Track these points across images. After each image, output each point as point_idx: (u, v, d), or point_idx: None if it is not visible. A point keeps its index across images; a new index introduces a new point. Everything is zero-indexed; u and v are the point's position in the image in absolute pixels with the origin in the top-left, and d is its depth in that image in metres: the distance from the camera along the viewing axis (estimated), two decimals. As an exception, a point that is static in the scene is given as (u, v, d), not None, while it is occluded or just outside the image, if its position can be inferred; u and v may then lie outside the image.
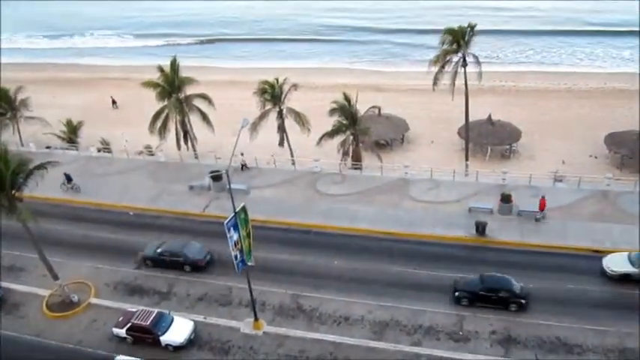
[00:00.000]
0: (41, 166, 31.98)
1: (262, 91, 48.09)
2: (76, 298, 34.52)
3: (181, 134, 51.71)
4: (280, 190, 44.07)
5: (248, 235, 28.90)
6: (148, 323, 30.53)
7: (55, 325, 33.30)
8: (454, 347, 29.01)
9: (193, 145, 52.27)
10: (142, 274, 36.40)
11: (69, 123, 58.94)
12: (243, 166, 46.93)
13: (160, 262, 36.51)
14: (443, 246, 36.51)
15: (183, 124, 51.30)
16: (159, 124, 49.76)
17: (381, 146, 53.73)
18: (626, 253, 32.98)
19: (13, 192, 30.89)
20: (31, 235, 32.73)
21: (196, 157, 51.48)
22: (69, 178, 46.95)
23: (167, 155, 50.99)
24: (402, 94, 67.29)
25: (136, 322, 30.75)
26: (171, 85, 49.36)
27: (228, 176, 27.64)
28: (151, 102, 50.60)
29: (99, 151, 53.82)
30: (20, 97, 58.15)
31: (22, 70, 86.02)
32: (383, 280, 33.81)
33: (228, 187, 28.66)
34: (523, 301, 30.75)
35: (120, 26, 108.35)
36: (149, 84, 49.97)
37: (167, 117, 49.93)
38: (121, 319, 31.73)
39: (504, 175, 42.65)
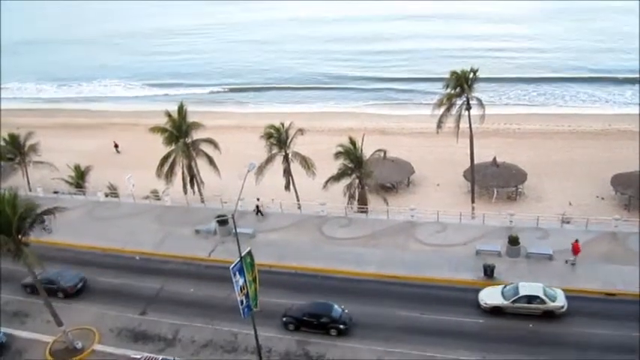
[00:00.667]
0: (48, 212, 32.14)
1: (268, 136, 48.60)
2: (80, 345, 34.08)
3: (188, 178, 52.03)
4: (286, 234, 43.94)
5: (254, 279, 28.70)
6: (152, 371, 30.04)
7: (58, 372, 32.84)
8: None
9: (200, 189, 52.51)
10: (147, 319, 36.02)
11: (77, 168, 59.52)
12: (259, 211, 46.68)
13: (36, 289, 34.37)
14: (451, 289, 36.01)
15: (189, 168, 51.69)
16: (166, 168, 50.20)
17: (387, 189, 53.77)
18: (500, 287, 34.17)
19: (20, 236, 30.96)
20: (36, 280, 32.65)
21: (202, 201, 51.68)
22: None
23: (173, 199, 51.17)
24: (407, 137, 67.82)
25: (139, 369, 30.28)
26: (178, 130, 50.01)
27: (234, 220, 27.67)
28: (157, 146, 51.17)
29: (106, 195, 54.10)
30: (29, 142, 59.09)
31: (32, 116, 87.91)
32: (391, 325, 33.25)
33: (234, 231, 28.64)
34: (342, 326, 32.50)
35: (127, 75, 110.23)
36: (156, 129, 50.64)
37: (174, 161, 50.42)
38: (123, 366, 31.28)
39: (511, 217, 42.44)
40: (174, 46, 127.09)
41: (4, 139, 59.54)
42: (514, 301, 32.70)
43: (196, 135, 51.51)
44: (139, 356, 31.75)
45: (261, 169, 47.00)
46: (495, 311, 33.14)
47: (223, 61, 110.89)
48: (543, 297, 32.45)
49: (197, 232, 45.01)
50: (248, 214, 45.44)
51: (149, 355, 31.67)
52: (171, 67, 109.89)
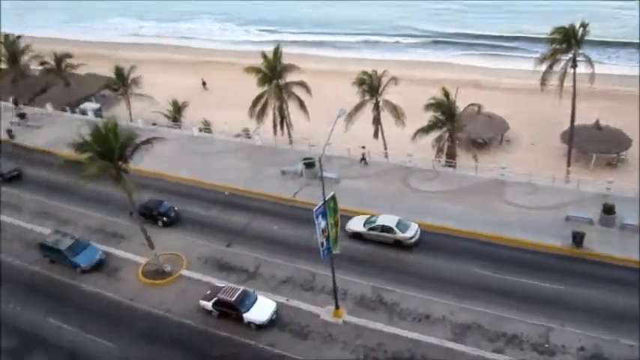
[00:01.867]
0: (147, 142, 33.93)
1: (360, 82, 48.25)
2: (168, 269, 36.45)
3: (278, 120, 52.95)
4: (371, 182, 44.00)
5: (336, 223, 29.21)
6: (234, 299, 31.67)
7: (147, 291, 35.42)
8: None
9: (289, 131, 53.39)
10: (232, 252, 37.78)
11: (174, 103, 62.07)
12: (363, 159, 46.53)
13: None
14: (533, 253, 34.97)
15: (281, 110, 52.52)
16: (258, 108, 51.29)
17: (478, 145, 52.24)
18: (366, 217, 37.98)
19: (120, 163, 33.01)
20: (133, 205, 34.91)
21: (291, 143, 52.60)
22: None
23: (263, 139, 52.38)
24: (504, 93, 64.80)
25: (222, 297, 32.01)
26: (272, 72, 50.68)
27: (320, 164, 28.00)
28: (249, 86, 52.11)
29: (200, 131, 56.21)
30: (132, 75, 62.01)
31: (135, 50, 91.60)
32: (467, 281, 33.00)
33: (319, 174, 29.05)
34: (165, 218, 40.88)
35: (226, 17, 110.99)
36: (251, 69, 51.60)
37: (266, 102, 51.37)
38: (208, 292, 33.17)
39: (609, 185, 40.06)
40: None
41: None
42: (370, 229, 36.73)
43: (290, 77, 52.00)
44: (222, 284, 33.54)
45: (351, 116, 46.93)
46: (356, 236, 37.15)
47: (323, 12, 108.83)
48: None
49: (283, 172, 46.03)
50: (334, 159, 45.76)
51: (231, 284, 33.35)
52: (269, 12, 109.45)
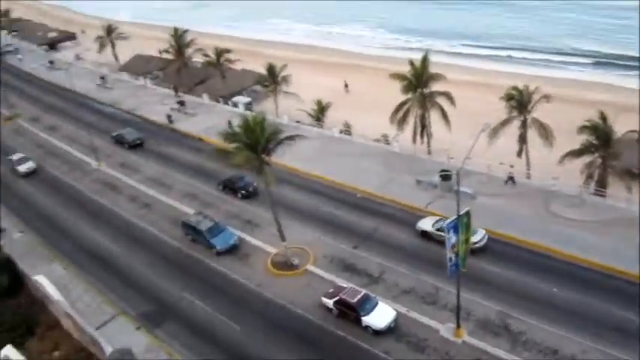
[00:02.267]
0: (290, 138, 35.31)
1: (509, 97, 46.36)
2: (296, 262, 37.62)
3: (419, 128, 52.45)
4: (509, 202, 42.00)
5: (467, 240, 28.33)
6: (355, 301, 31.90)
7: (274, 281, 36.81)
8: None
9: (428, 141, 52.68)
10: (358, 254, 38.11)
11: (319, 103, 63.90)
12: (510, 179, 44.17)
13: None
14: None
15: (422, 118, 51.97)
16: (400, 115, 51.21)
17: (634, 176, 47.72)
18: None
19: (264, 156, 34.67)
20: (270, 197, 36.48)
21: (429, 153, 51.86)
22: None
23: (401, 146, 52.18)
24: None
25: (343, 297, 32.39)
26: (417, 80, 50.31)
27: (457, 177, 27.34)
28: (390, 92, 52.15)
29: (340, 132, 57.33)
30: (283, 73, 64.89)
31: (287, 50, 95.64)
32: (606, 322, 30.34)
33: (455, 187, 28.36)
34: (244, 192, 46.18)
35: (380, 25, 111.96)
36: (396, 76, 51.58)
37: (409, 110, 51.12)
38: (331, 290, 33.74)
39: None
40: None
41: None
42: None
43: (435, 87, 51.32)
44: (345, 285, 33.96)
45: (495, 131, 45.23)
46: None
47: (473, 24, 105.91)
48: None
49: (419, 182, 45.52)
50: (473, 174, 44.37)
51: (354, 286, 33.64)
52: (420, 21, 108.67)
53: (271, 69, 65.71)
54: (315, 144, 53.12)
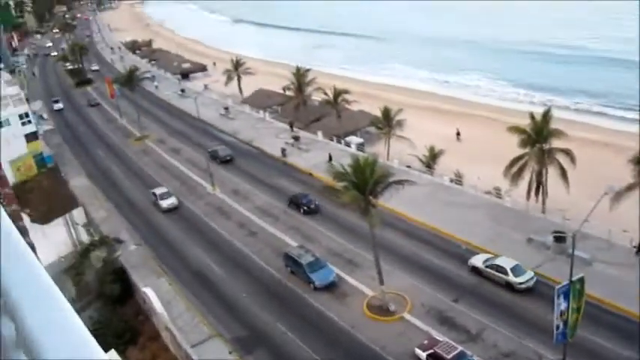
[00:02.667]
0: (399, 182, 35.23)
1: (638, 161, 43.19)
2: (392, 307, 36.94)
3: (534, 185, 50.24)
4: (630, 272, 38.72)
5: (578, 309, 26.51)
6: (450, 357, 30.66)
7: (368, 324, 36.31)
8: None
9: (543, 199, 50.22)
10: (457, 308, 36.76)
11: (431, 149, 63.28)
12: None
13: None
14: None
15: (539, 175, 49.75)
16: (514, 169, 49.38)
17: None
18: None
19: (371, 197, 34.79)
20: (373, 239, 36.36)
21: (543, 212, 49.37)
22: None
23: (514, 201, 50.20)
24: None
25: (438, 351, 31.24)
26: (537, 134, 48.45)
27: (573, 240, 25.81)
28: (503, 144, 50.63)
29: (451, 181, 56.27)
30: (398, 117, 65.22)
31: (404, 95, 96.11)
32: None
33: (569, 251, 26.75)
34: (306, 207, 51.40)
35: (500, 76, 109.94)
36: (514, 129, 50.01)
37: (525, 165, 49.20)
38: (425, 342, 32.69)
39: None
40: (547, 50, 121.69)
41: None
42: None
43: (555, 143, 49.14)
44: (441, 339, 32.80)
45: (619, 195, 42.22)
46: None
47: (601, 82, 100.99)
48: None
49: (530, 240, 43.38)
50: (590, 238, 41.52)
51: (450, 341, 32.39)
52: (542, 76, 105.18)
53: (387, 112, 66.31)
54: (423, 190, 52.47)
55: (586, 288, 26.66)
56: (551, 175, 49.43)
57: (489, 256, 40.57)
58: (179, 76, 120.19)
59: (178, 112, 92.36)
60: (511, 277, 37.71)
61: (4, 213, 2.34)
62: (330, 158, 60.60)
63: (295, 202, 52.70)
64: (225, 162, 66.57)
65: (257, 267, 44.21)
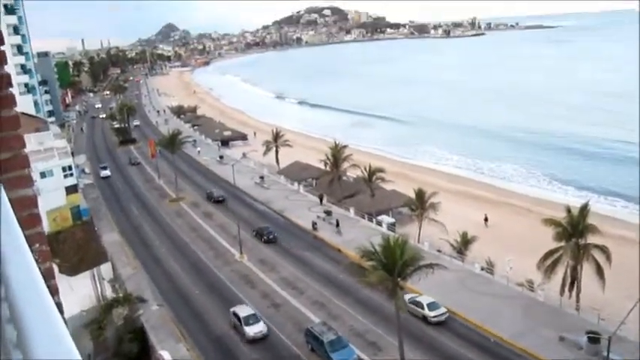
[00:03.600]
0: (429, 266, 34.69)
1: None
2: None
3: (568, 280, 48.77)
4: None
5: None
6: None
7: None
8: None
9: (577, 296, 48.54)
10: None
11: (464, 235, 62.40)
12: None
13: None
14: None
15: (574, 270, 48.38)
16: (548, 262, 48.18)
17: None
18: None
19: (399, 279, 34.22)
20: (398, 322, 35.44)
21: (577, 309, 47.58)
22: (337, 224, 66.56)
23: (547, 296, 48.61)
24: None
25: None
26: (574, 228, 47.54)
27: (608, 343, 24.67)
28: (536, 235, 49.73)
29: (482, 269, 55.07)
30: (432, 200, 65.00)
31: (440, 178, 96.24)
32: None
33: (604, 354, 25.50)
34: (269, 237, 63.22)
35: (536, 166, 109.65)
36: (550, 222, 49.27)
37: (559, 259, 48.00)
38: None
39: None
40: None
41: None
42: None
43: (591, 239, 48.02)
44: None
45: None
46: None
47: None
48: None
49: (562, 338, 41.56)
50: (627, 342, 39.53)
51: None
52: (585, 172, 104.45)
53: (420, 194, 66.18)
54: (453, 276, 51.35)
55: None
56: (587, 271, 48.01)
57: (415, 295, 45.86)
58: (219, 143, 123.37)
59: (215, 177, 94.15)
60: (426, 311, 44.16)
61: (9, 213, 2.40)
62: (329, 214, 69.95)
63: (260, 233, 64.18)
64: (218, 202, 77.61)
65: (277, 341, 43.27)
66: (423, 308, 44.56)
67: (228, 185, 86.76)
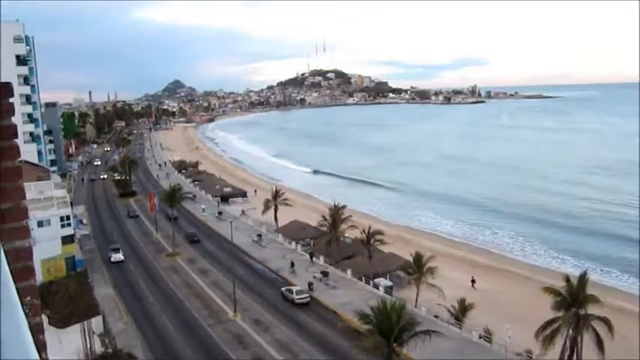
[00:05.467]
0: (426, 332, 34.05)
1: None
2: None
3: (567, 351, 47.71)
4: None
5: None
6: None
7: None
8: None
9: (578, 368, 47.39)
10: None
11: (462, 302, 61.48)
12: None
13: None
14: None
15: (573, 341, 47.39)
16: (547, 332, 47.26)
17: None
18: None
19: (395, 345, 33.49)
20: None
21: (578, 382, 46.36)
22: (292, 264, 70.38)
23: (548, 367, 47.42)
24: None
25: None
26: (573, 298, 46.90)
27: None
28: (534, 303, 49.12)
29: (480, 337, 53.96)
30: (430, 264, 64.41)
31: (438, 242, 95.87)
32: None
33: None
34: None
35: (531, 236, 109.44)
36: (550, 290, 48.67)
37: (558, 329, 47.11)
38: None
39: None
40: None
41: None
42: None
43: (590, 310, 47.28)
44: None
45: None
46: None
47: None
48: None
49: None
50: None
51: None
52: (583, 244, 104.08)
53: (418, 258, 65.62)
54: (450, 344, 50.21)
55: None
56: (586, 343, 47.01)
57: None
58: (219, 199, 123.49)
59: (213, 233, 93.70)
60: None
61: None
62: (292, 265, 71.80)
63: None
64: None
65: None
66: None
67: (225, 242, 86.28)
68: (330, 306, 61.19)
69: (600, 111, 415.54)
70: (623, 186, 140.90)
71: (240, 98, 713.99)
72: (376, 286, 66.64)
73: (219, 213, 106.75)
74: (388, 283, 68.92)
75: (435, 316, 58.66)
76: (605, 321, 46.03)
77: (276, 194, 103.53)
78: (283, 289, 64.55)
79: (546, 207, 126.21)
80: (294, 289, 62.99)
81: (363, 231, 74.72)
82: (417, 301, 63.00)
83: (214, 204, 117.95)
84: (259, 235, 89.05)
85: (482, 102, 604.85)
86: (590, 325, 46.65)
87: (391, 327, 32.98)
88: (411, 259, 66.84)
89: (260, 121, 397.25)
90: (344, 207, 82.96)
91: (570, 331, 46.99)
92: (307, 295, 62.49)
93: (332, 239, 79.14)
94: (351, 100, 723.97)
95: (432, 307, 61.56)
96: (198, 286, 68.22)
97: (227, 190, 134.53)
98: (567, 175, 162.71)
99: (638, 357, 41.76)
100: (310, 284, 65.98)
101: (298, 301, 61.23)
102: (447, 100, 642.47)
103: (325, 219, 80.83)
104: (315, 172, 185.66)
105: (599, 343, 45.50)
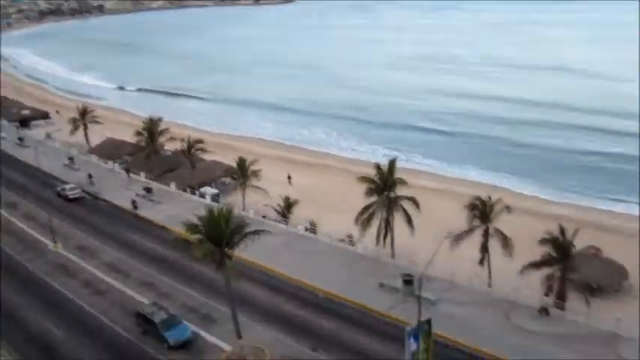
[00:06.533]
0: (255, 232, 35.14)
1: (472, 207, 47.52)
2: (252, 362, 36.06)
3: (382, 231, 52.88)
4: (471, 310, 41.75)
5: (427, 349, 27.86)
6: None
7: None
8: None
9: (392, 244, 52.95)
10: (317, 357, 36.82)
11: (286, 199, 64.26)
12: (545, 309, 41.34)
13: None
14: None
15: (387, 222, 52.52)
16: (364, 217, 51.71)
17: (592, 290, 48.42)
18: None
19: (226, 249, 34.23)
20: (229, 292, 35.62)
21: (392, 257, 51.95)
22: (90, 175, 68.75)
23: (365, 248, 52.26)
24: (630, 238, 60.27)
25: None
26: (384, 184, 51.41)
27: (420, 283, 27.32)
28: (356, 193, 53.15)
29: (306, 230, 57.33)
30: (253, 167, 65.66)
31: (257, 145, 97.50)
32: None
33: (417, 293, 28.25)
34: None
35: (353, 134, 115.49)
36: (364, 179, 52.68)
37: (373, 213, 51.73)
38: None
39: None
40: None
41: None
42: None
43: (400, 191, 52.39)
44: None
45: (457, 239, 45.88)
46: None
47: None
48: None
49: (381, 285, 45.22)
50: (437, 280, 44.20)
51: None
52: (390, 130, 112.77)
53: (242, 163, 66.48)
54: (279, 240, 52.80)
55: (434, 328, 28.20)
56: (398, 221, 52.43)
57: None
58: (17, 124, 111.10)
59: (16, 162, 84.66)
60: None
61: None
62: (90, 176, 72.01)
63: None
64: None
65: (105, 329, 40.93)
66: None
67: (32, 169, 78.87)
68: (158, 221, 60.15)
69: (401, 6, 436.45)
70: (418, 81, 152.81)
71: (26, 7, 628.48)
72: (202, 196, 66.63)
73: (20, 139, 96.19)
74: (214, 190, 69.23)
75: (263, 217, 60.79)
76: (412, 200, 51.50)
77: (84, 112, 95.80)
78: (58, 188, 68.24)
79: (355, 103, 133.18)
80: (67, 186, 68.05)
81: (182, 140, 73.07)
82: (244, 204, 64.46)
83: (13, 129, 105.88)
84: (70, 158, 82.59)
85: (291, 1, 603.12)
86: (400, 205, 51.93)
87: (221, 233, 33.54)
88: (234, 164, 67.44)
89: (54, 33, 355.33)
90: (160, 119, 79.75)
91: (384, 212, 51.92)
92: (79, 189, 68.51)
93: (150, 153, 76.37)
94: (155, 5, 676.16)
95: (259, 208, 63.54)
96: (7, 220, 62.17)
97: (25, 112, 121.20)
98: (371, 72, 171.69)
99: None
100: (134, 202, 63.73)
101: (71, 196, 66.62)
102: (256, 1, 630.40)
103: (141, 133, 77.28)
104: (121, 88, 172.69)
105: (409, 220, 51.08)
